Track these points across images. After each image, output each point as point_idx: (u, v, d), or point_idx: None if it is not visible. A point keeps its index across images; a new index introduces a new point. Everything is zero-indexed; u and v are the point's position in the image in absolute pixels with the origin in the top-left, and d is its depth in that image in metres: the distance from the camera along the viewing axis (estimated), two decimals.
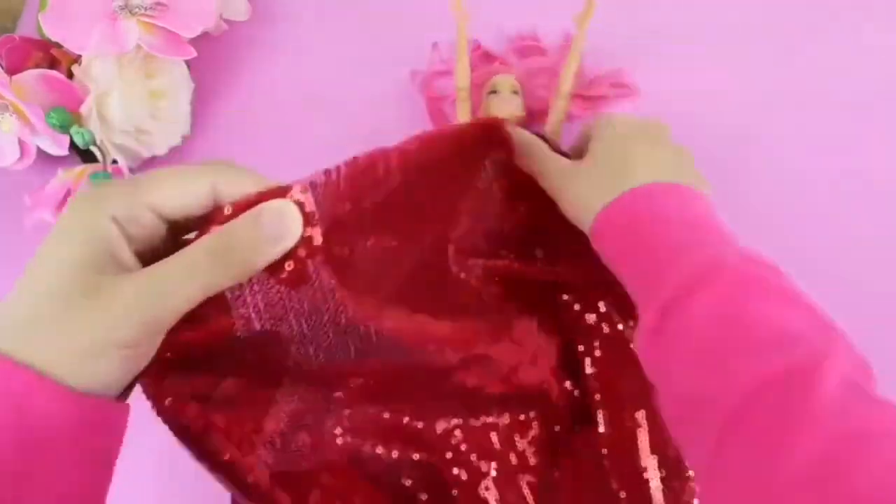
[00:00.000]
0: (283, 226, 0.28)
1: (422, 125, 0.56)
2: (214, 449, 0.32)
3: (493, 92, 0.52)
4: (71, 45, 0.52)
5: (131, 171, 0.55)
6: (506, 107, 0.51)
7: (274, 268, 0.29)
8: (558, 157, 0.39)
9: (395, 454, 0.40)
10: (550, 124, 0.50)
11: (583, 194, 0.37)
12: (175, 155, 0.58)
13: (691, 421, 0.29)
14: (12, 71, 0.52)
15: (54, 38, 0.52)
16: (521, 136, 0.40)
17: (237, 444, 0.33)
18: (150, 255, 0.27)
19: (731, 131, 0.51)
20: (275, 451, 0.36)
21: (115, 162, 0.54)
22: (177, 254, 0.27)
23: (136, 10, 0.52)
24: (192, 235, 0.28)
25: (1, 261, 0.57)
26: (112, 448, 0.28)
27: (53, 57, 0.57)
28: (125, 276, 0.26)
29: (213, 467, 0.32)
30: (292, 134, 0.58)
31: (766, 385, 0.26)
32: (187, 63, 0.58)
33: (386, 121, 0.57)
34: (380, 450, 0.40)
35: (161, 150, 0.57)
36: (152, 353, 0.28)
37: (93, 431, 0.26)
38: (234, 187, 0.28)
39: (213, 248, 0.27)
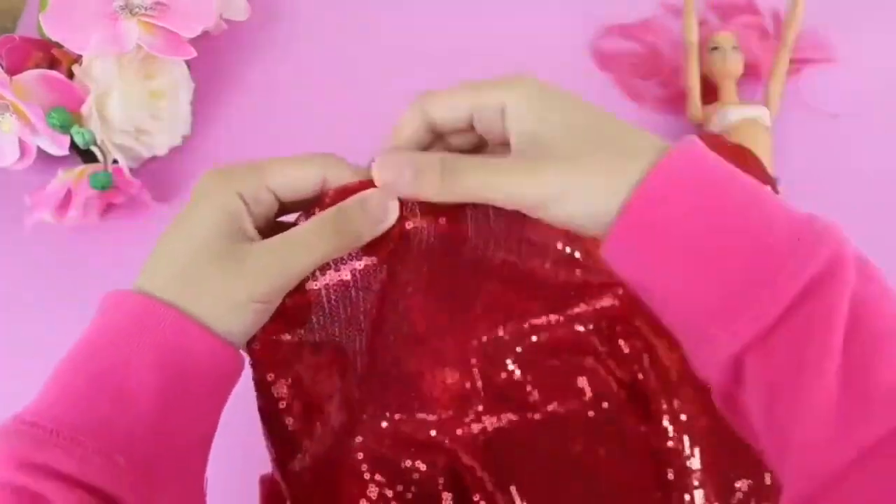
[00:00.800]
0: (384, 209, 0.32)
1: None
2: (279, 396, 0.35)
3: (715, 48, 0.55)
4: (71, 45, 0.52)
5: (132, 171, 0.55)
6: (730, 63, 0.54)
7: (371, 244, 0.33)
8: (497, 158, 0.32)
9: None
10: (775, 76, 0.55)
11: (582, 193, 0.28)
12: (175, 155, 0.58)
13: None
14: (12, 71, 0.52)
15: (54, 38, 0.52)
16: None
17: (304, 406, 0.35)
18: (264, 231, 0.32)
19: None
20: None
21: (115, 162, 0.54)
22: (299, 226, 0.32)
23: (136, 10, 0.52)
24: (291, 218, 0.33)
25: (1, 261, 0.57)
26: (229, 394, 0.32)
27: (53, 57, 0.57)
28: (259, 243, 0.30)
29: (268, 418, 0.34)
30: (292, 134, 0.58)
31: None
32: (187, 63, 0.58)
33: (386, 121, 0.57)
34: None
35: (161, 150, 0.57)
36: (273, 310, 0.32)
37: (227, 377, 0.31)
38: (340, 175, 0.32)
39: (329, 223, 0.31)
